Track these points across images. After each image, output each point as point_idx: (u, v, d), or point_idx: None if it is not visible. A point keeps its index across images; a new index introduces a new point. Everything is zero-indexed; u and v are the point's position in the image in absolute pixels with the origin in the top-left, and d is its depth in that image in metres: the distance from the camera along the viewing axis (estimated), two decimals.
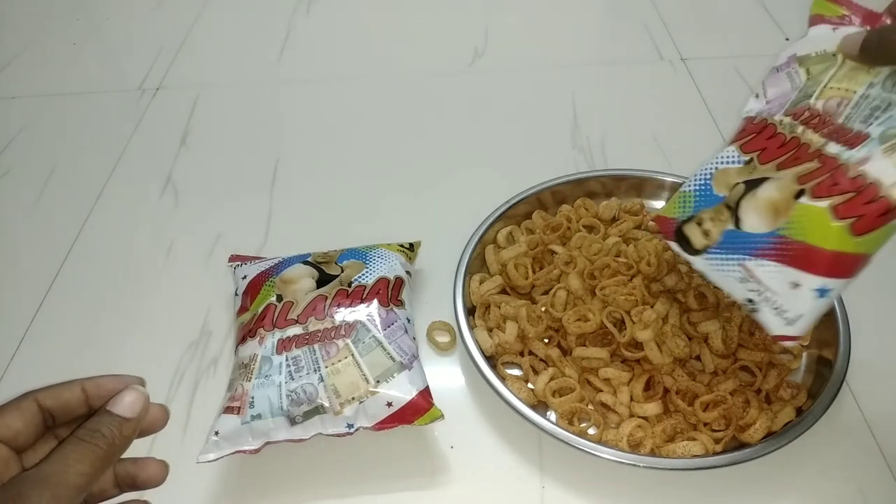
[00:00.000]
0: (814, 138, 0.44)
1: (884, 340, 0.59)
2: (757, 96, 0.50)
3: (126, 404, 0.32)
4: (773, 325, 0.44)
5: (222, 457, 0.50)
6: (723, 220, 0.46)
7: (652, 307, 0.56)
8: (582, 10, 1.06)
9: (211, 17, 1.09)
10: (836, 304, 0.57)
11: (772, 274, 0.43)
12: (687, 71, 0.92)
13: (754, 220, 0.44)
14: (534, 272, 0.62)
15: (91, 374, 0.63)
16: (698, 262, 0.48)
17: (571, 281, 0.59)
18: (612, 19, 1.05)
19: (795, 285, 0.42)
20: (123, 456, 0.32)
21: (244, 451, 0.50)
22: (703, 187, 0.48)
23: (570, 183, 0.70)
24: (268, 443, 0.50)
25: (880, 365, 0.58)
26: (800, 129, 0.45)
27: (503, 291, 0.63)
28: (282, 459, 0.53)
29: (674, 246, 0.50)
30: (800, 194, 0.42)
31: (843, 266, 0.41)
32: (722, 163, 0.48)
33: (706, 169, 0.49)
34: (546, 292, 0.61)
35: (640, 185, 0.70)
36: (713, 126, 0.82)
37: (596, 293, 0.58)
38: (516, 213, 0.68)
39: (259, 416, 0.50)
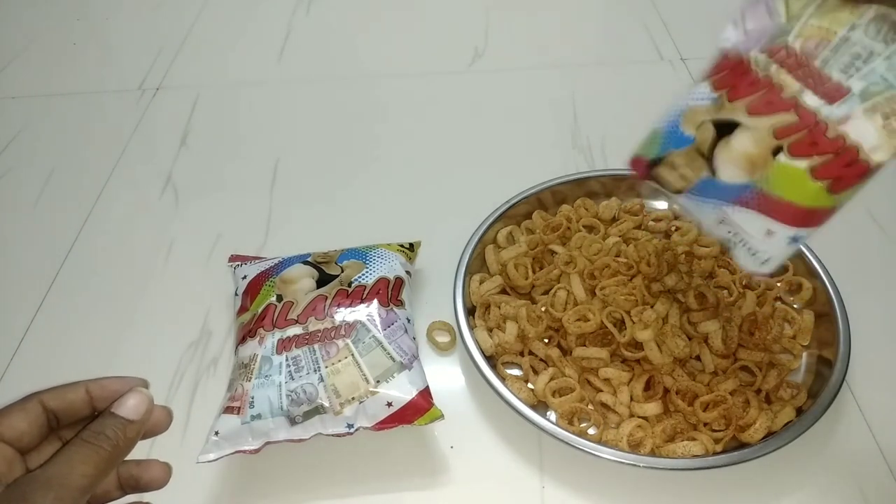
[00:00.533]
0: (787, 80, 0.42)
1: (884, 340, 0.59)
2: (735, 24, 0.47)
3: (130, 407, 0.32)
4: (747, 263, 0.45)
5: (222, 457, 0.50)
6: (698, 166, 0.45)
7: (652, 307, 0.56)
8: (582, 10, 1.06)
9: (211, 17, 1.09)
10: (836, 304, 0.57)
11: (747, 220, 0.43)
12: (687, 71, 0.92)
13: (730, 172, 0.44)
14: (534, 272, 0.62)
15: (91, 374, 0.63)
16: (678, 199, 0.47)
17: (574, 287, 0.59)
18: (612, 19, 1.05)
19: (770, 232, 0.43)
20: (127, 458, 0.32)
21: (244, 451, 0.50)
22: (672, 126, 0.47)
23: (570, 183, 0.70)
24: (268, 443, 0.50)
25: (880, 365, 0.58)
26: (773, 67, 0.43)
27: (503, 291, 0.63)
28: (282, 459, 0.53)
29: (647, 186, 0.49)
30: (777, 151, 0.41)
31: (817, 218, 0.42)
32: (693, 100, 0.46)
33: (678, 106, 0.47)
34: (546, 292, 0.61)
35: (639, 185, 0.70)
36: None
37: (596, 293, 0.58)
38: (516, 213, 0.68)
39: (259, 416, 0.50)
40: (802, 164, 0.40)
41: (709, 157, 0.44)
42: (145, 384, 0.34)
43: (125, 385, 0.33)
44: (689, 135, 0.46)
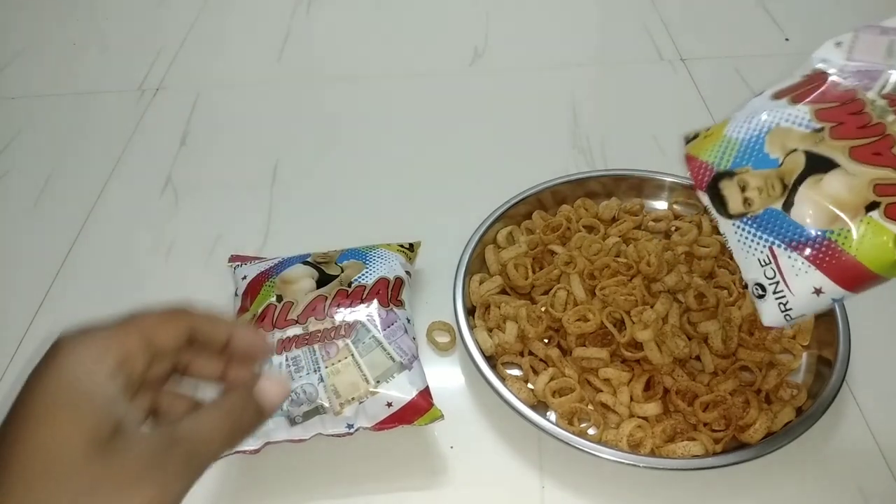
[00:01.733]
0: None
1: (884, 340, 0.59)
2: (838, 44, 0.44)
3: (274, 403, 0.31)
4: (772, 317, 0.42)
5: (222, 456, 0.49)
6: (772, 195, 0.41)
7: (652, 307, 0.56)
8: (582, 10, 1.06)
9: (211, 17, 1.09)
10: (836, 304, 0.57)
11: (799, 272, 0.40)
12: (687, 71, 0.92)
13: (809, 212, 0.39)
14: (534, 272, 0.62)
15: None
16: (724, 225, 0.43)
17: (574, 287, 0.59)
18: (612, 19, 1.05)
19: (818, 291, 0.40)
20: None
21: (244, 452, 0.50)
22: (753, 141, 0.42)
23: (570, 183, 0.70)
24: (268, 443, 0.50)
25: (880, 365, 0.58)
26: (891, 118, 0.39)
27: (503, 291, 0.63)
28: (281, 460, 0.53)
29: (703, 197, 0.44)
30: (872, 206, 0.38)
31: (871, 285, 0.39)
32: (786, 121, 0.42)
33: (762, 120, 0.43)
34: (546, 292, 0.61)
35: (640, 185, 0.70)
36: None
37: (596, 293, 0.58)
38: (516, 213, 0.68)
39: None
40: (893, 227, 0.37)
41: (790, 190, 0.40)
42: (273, 350, 0.35)
43: (258, 340, 0.33)
44: (775, 157, 0.41)
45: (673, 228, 0.67)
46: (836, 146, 0.40)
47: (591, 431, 0.53)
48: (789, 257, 0.40)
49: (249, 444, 0.50)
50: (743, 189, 0.42)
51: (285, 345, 0.53)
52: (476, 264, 0.64)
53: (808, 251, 0.39)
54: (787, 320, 0.42)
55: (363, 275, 0.58)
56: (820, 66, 0.44)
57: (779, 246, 0.41)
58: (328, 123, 0.87)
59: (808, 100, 0.43)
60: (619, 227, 0.66)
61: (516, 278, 0.61)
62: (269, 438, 0.50)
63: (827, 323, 0.57)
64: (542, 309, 0.59)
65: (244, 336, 0.32)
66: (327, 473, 0.53)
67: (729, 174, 0.43)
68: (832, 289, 0.39)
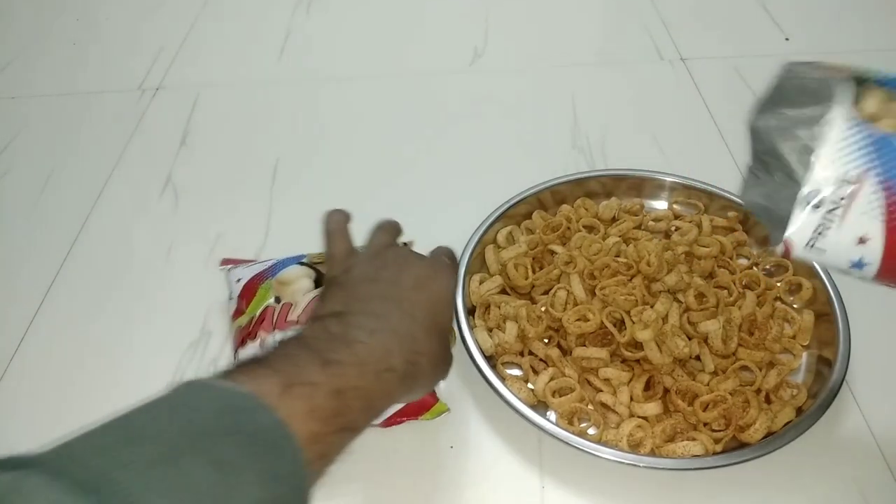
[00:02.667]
0: None
1: (884, 340, 0.59)
2: None
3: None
4: (798, 233, 0.38)
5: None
6: None
7: (652, 307, 0.56)
8: (582, 9, 1.06)
9: (211, 17, 1.09)
10: (836, 304, 0.57)
11: (866, 213, 0.35)
12: (687, 71, 0.92)
13: None
14: (534, 272, 0.62)
15: (91, 374, 0.63)
16: (841, 112, 0.37)
17: (574, 287, 0.59)
18: (612, 19, 1.05)
19: (862, 240, 0.36)
20: None
21: None
22: None
23: (570, 183, 0.70)
24: None
25: (880, 365, 0.58)
26: None
27: (503, 291, 0.63)
28: None
29: (841, 88, 0.38)
30: None
31: None
32: None
33: None
34: (546, 292, 0.61)
35: (640, 185, 0.70)
36: (713, 126, 0.82)
37: (596, 293, 0.58)
38: (516, 213, 0.68)
39: None
40: None
41: None
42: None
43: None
44: None
45: (673, 228, 0.67)
46: None
47: (591, 431, 0.53)
48: (873, 192, 0.35)
49: None
50: (886, 101, 0.37)
51: None
52: (476, 264, 0.64)
53: (894, 197, 0.35)
54: (806, 250, 0.38)
55: None
56: None
57: (873, 173, 0.35)
58: (328, 123, 0.87)
59: None
60: (619, 227, 0.66)
61: (516, 278, 0.61)
62: None
63: (827, 323, 0.57)
64: (542, 309, 0.59)
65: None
66: (328, 474, 0.53)
67: (879, 82, 0.38)
68: (874, 252, 0.36)
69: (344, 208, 0.50)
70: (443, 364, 0.45)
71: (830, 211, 0.37)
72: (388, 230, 0.50)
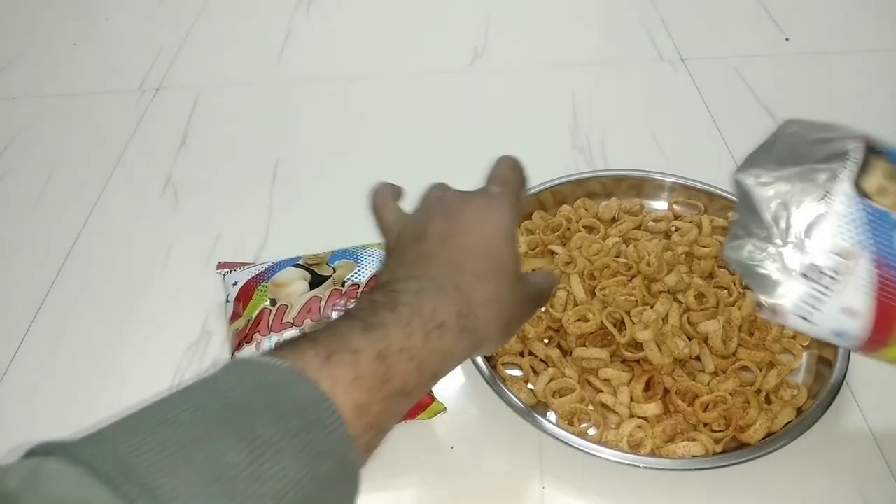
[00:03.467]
0: None
1: None
2: None
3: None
4: (788, 301, 0.38)
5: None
6: None
7: (652, 307, 0.56)
8: (582, 10, 1.06)
9: (211, 17, 1.09)
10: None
11: (854, 288, 0.36)
12: (687, 71, 0.92)
13: None
14: (533, 272, 0.62)
15: (91, 374, 0.63)
16: (844, 191, 0.36)
17: (574, 288, 0.59)
18: (612, 19, 1.05)
19: (851, 312, 0.36)
20: None
21: None
22: None
23: (570, 183, 0.70)
24: None
25: (880, 365, 0.58)
26: None
27: None
28: None
29: (854, 149, 0.37)
30: None
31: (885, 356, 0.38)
32: None
33: None
34: None
35: (640, 185, 0.70)
36: (713, 126, 0.82)
37: (596, 293, 0.58)
38: None
39: None
40: None
41: None
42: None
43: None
44: None
45: (673, 228, 0.67)
46: None
47: (591, 432, 0.53)
48: (866, 268, 0.36)
49: None
50: (889, 178, 0.37)
51: None
52: None
53: (886, 276, 0.35)
54: (792, 319, 0.38)
55: (356, 273, 0.58)
56: None
57: (868, 251, 0.36)
58: (328, 123, 0.87)
59: None
60: (619, 228, 0.66)
61: None
62: None
63: None
64: (542, 309, 0.59)
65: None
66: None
67: (887, 155, 0.37)
68: (860, 326, 0.36)
69: (392, 182, 0.49)
70: (512, 307, 0.40)
71: (825, 284, 0.37)
72: (437, 186, 0.47)
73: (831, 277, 0.37)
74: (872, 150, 0.37)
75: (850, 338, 0.38)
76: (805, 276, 0.37)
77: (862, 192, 0.36)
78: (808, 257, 0.37)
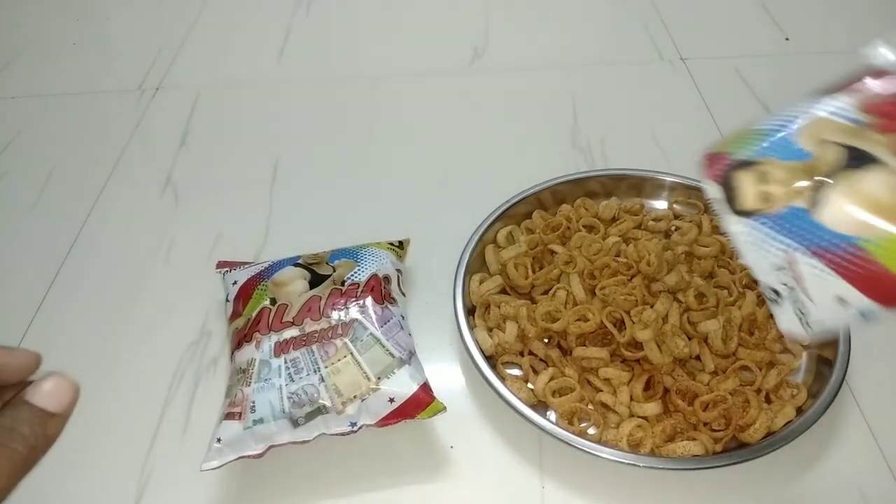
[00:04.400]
0: None
1: (884, 340, 0.59)
2: (889, 43, 0.38)
3: (46, 393, 0.25)
4: (789, 324, 0.39)
5: (226, 463, 0.49)
6: (796, 191, 0.36)
7: (652, 307, 0.56)
8: (582, 10, 1.06)
9: (211, 17, 1.09)
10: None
11: (820, 280, 0.36)
12: (687, 71, 0.92)
13: (839, 214, 0.35)
14: (534, 272, 0.62)
15: (90, 374, 0.64)
16: (733, 224, 0.38)
17: (574, 287, 0.59)
18: (612, 19, 1.05)
19: (841, 301, 0.36)
20: None
21: (248, 457, 0.50)
22: (783, 130, 0.37)
23: (570, 183, 0.70)
24: (271, 446, 0.50)
25: (880, 365, 0.58)
26: None
27: (503, 291, 0.63)
28: (283, 461, 0.53)
29: (710, 188, 0.40)
30: None
31: None
32: (825, 111, 0.37)
33: (799, 110, 0.38)
34: (546, 292, 0.61)
35: (640, 185, 0.70)
36: (713, 126, 0.82)
37: (596, 293, 0.58)
38: (516, 213, 0.68)
39: (261, 421, 0.50)
40: None
41: (819, 187, 0.36)
42: (38, 361, 0.26)
43: (9, 359, 0.26)
44: (807, 150, 0.36)
45: (673, 228, 0.67)
46: (881, 141, 0.35)
47: (591, 431, 0.53)
48: (809, 263, 0.36)
49: (252, 449, 0.50)
50: (762, 181, 0.37)
51: (283, 347, 0.53)
52: (476, 264, 0.64)
53: (831, 257, 0.35)
54: (807, 330, 0.38)
55: (355, 272, 0.58)
56: (875, 61, 0.39)
57: (798, 251, 0.36)
58: (328, 123, 0.87)
59: (854, 90, 0.37)
60: (619, 227, 0.66)
61: (516, 278, 0.61)
62: (272, 442, 0.50)
63: None
64: (543, 313, 0.59)
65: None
66: (329, 474, 0.53)
67: (749, 163, 0.38)
68: (859, 300, 0.35)
69: None
70: None
71: (794, 298, 0.37)
72: None
73: (791, 288, 0.37)
74: (735, 167, 0.39)
75: (871, 311, 0.36)
76: (774, 301, 0.39)
77: (745, 213, 0.38)
78: (762, 285, 0.39)
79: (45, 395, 0.25)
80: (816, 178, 0.36)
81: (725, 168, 0.39)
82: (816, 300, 0.37)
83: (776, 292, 0.39)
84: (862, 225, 0.34)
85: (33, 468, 0.24)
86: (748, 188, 0.38)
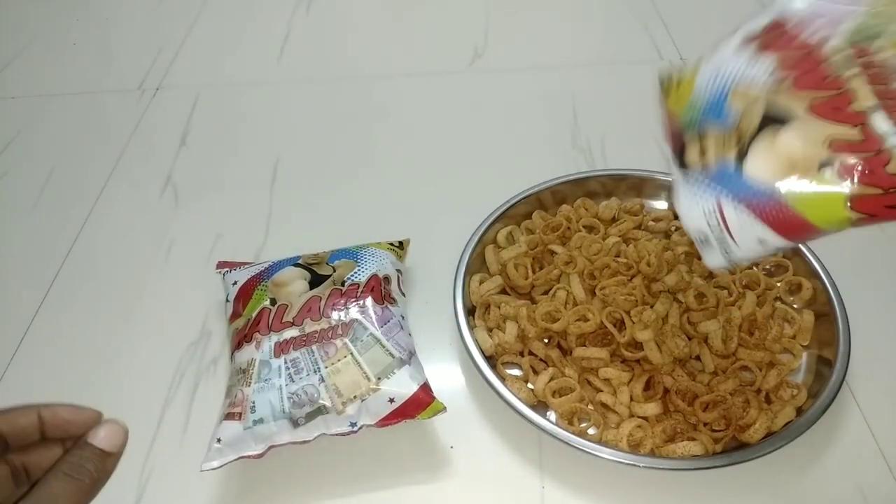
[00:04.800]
0: (863, 91, 0.36)
1: (884, 340, 0.59)
2: None
3: (103, 438, 0.32)
4: (715, 260, 0.44)
5: (226, 463, 0.49)
6: (727, 147, 0.40)
7: (652, 307, 0.56)
8: (582, 10, 1.06)
9: (211, 17, 1.09)
10: (835, 304, 0.57)
11: (744, 225, 0.40)
12: None
13: (759, 166, 0.39)
14: (534, 272, 0.62)
15: (90, 374, 0.64)
16: (676, 174, 0.44)
17: (574, 287, 0.59)
18: (612, 19, 1.05)
19: (761, 241, 0.40)
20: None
21: (248, 457, 0.50)
22: (718, 95, 0.42)
23: (570, 183, 0.70)
24: (271, 446, 0.50)
25: (880, 365, 0.58)
26: (853, 70, 0.36)
27: (503, 291, 0.63)
28: (284, 462, 0.53)
29: (670, 151, 0.46)
30: (825, 164, 0.36)
31: (816, 237, 0.40)
32: (750, 74, 0.40)
33: (728, 73, 0.42)
34: (546, 292, 0.61)
35: (640, 185, 0.70)
36: None
37: (596, 293, 0.58)
38: (516, 213, 0.68)
39: (261, 421, 0.50)
40: (845, 189, 0.36)
41: (745, 143, 0.40)
42: (99, 416, 0.33)
43: (78, 414, 0.33)
44: (735, 112, 0.40)
45: (673, 228, 0.67)
46: (797, 98, 0.38)
47: (591, 431, 0.53)
48: (734, 209, 0.41)
49: (253, 449, 0.50)
50: (701, 139, 0.43)
51: (283, 347, 0.53)
52: (476, 264, 0.64)
53: (756, 207, 0.39)
54: (730, 262, 0.44)
55: (355, 273, 0.58)
56: (791, 6, 0.42)
57: (726, 197, 0.41)
58: (328, 123, 0.87)
59: (775, 47, 0.41)
60: (619, 227, 0.66)
61: (516, 278, 0.61)
62: (272, 442, 0.50)
63: (827, 323, 0.57)
64: (543, 312, 0.59)
65: (54, 411, 0.33)
66: (329, 474, 0.53)
67: (691, 126, 0.43)
68: (776, 240, 0.40)
69: None
70: None
71: (720, 238, 0.43)
72: None
73: (719, 231, 0.42)
74: (683, 129, 0.44)
75: (782, 246, 0.41)
76: (702, 242, 0.44)
77: (687, 167, 0.44)
78: (693, 230, 0.44)
79: (102, 438, 0.31)
80: (743, 137, 0.40)
81: (678, 133, 0.45)
82: (740, 242, 0.42)
83: (704, 236, 0.44)
84: (779, 175, 0.38)
85: (94, 497, 0.30)
86: (692, 148, 0.43)
